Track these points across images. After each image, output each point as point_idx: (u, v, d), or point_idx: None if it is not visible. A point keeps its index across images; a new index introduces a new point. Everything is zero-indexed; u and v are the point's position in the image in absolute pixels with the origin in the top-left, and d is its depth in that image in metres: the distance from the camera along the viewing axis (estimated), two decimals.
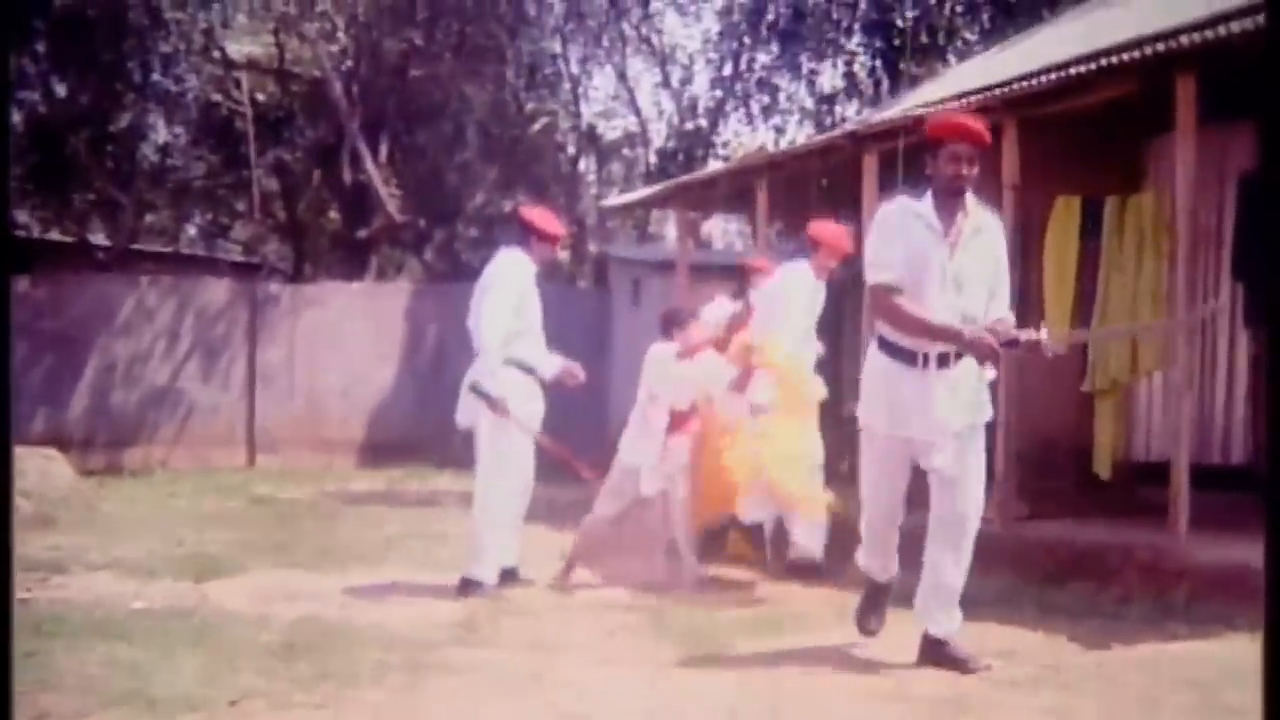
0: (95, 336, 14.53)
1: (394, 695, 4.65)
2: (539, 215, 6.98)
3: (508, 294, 6.62)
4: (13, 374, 3.42)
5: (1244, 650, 5.23)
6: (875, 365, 5.10)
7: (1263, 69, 2.71)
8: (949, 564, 5.06)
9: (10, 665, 3.03)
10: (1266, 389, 2.90)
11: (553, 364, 7.00)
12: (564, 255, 21.63)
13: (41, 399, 13.84)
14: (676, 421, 7.05)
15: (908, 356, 4.96)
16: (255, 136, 18.29)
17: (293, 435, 14.98)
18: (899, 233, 4.93)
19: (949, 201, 4.94)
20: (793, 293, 7.37)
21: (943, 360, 4.93)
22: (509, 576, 6.86)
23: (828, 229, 7.52)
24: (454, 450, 14.25)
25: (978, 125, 5.01)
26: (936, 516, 5.08)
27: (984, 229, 4.99)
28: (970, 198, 4.97)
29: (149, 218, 20.35)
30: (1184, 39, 6.60)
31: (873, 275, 4.92)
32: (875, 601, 5.46)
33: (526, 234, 6.82)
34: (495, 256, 6.86)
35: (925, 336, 4.88)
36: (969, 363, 4.95)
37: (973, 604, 6.07)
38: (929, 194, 4.97)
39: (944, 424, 4.93)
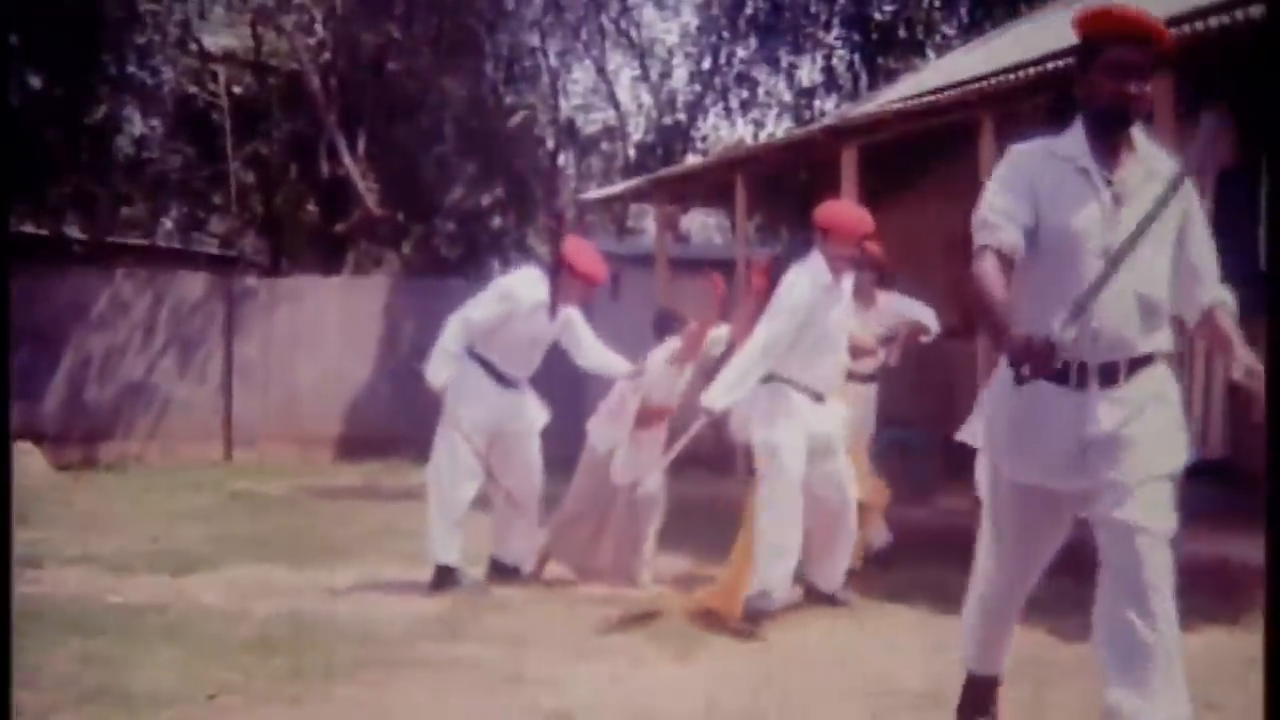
0: (70, 330, 14.43)
1: (371, 691, 4.63)
2: (579, 251, 6.66)
3: (486, 303, 6.55)
4: (11, 375, 3.41)
5: (1222, 643, 5.26)
6: (1003, 379, 3.46)
7: (1261, 65, 2.65)
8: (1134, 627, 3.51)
9: (9, 663, 3.01)
10: (1265, 387, 2.80)
11: (617, 364, 6.92)
12: (544, 251, 21.64)
13: (16, 393, 13.70)
14: (646, 415, 6.77)
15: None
16: (232, 129, 18.20)
17: (269, 430, 14.91)
18: (1029, 184, 3.37)
19: (1110, 135, 3.38)
20: (781, 299, 5.94)
21: (1109, 374, 3.36)
22: (512, 573, 6.85)
23: (836, 209, 6.22)
24: (430, 445, 14.23)
25: (1152, 20, 3.37)
26: (1112, 577, 3.54)
27: (1160, 175, 3.35)
28: (1139, 132, 3.42)
29: (125, 211, 20.22)
30: None
31: (977, 236, 3.38)
32: (978, 700, 4.07)
33: (559, 266, 6.60)
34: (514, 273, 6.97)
35: (979, 316, 3.41)
36: (1160, 378, 3.46)
37: (953, 599, 6.08)
38: (1077, 127, 3.44)
39: (1112, 471, 3.38)
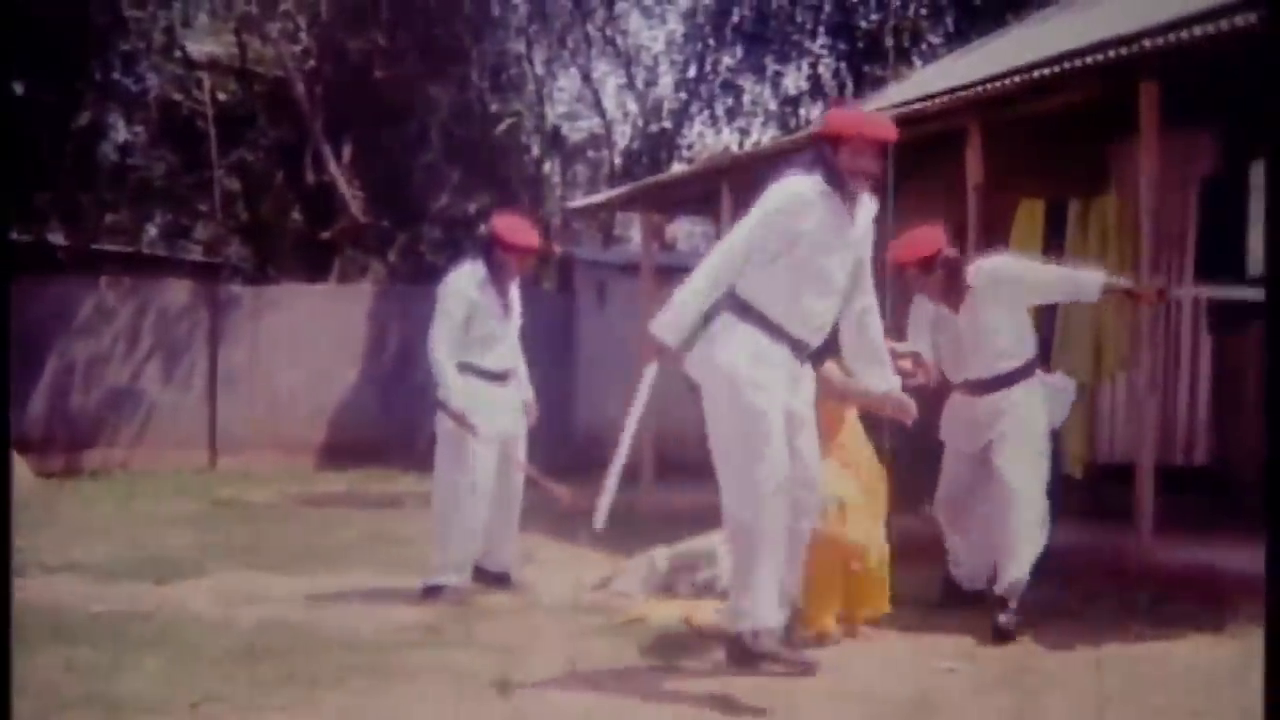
0: (54, 337, 14.36)
1: (357, 698, 4.61)
2: (506, 225, 6.73)
3: (447, 310, 6.58)
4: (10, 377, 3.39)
5: (1207, 651, 5.27)
6: None
7: (1251, 74, 2.58)
8: None
9: (9, 666, 3.00)
10: (1265, 389, 2.57)
11: (527, 389, 6.98)
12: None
13: None
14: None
15: None
16: (217, 136, 18.15)
17: (254, 437, 14.85)
18: None
19: None
20: (768, 200, 4.97)
21: None
22: (499, 580, 6.83)
23: (850, 114, 5.34)
24: (417, 452, 14.23)
25: None
26: None
27: None
28: None
29: (109, 217, 20.15)
30: (1147, 43, 6.63)
31: None
32: None
33: (491, 244, 6.69)
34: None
35: None
36: None
37: (939, 605, 6.09)
38: None
39: None
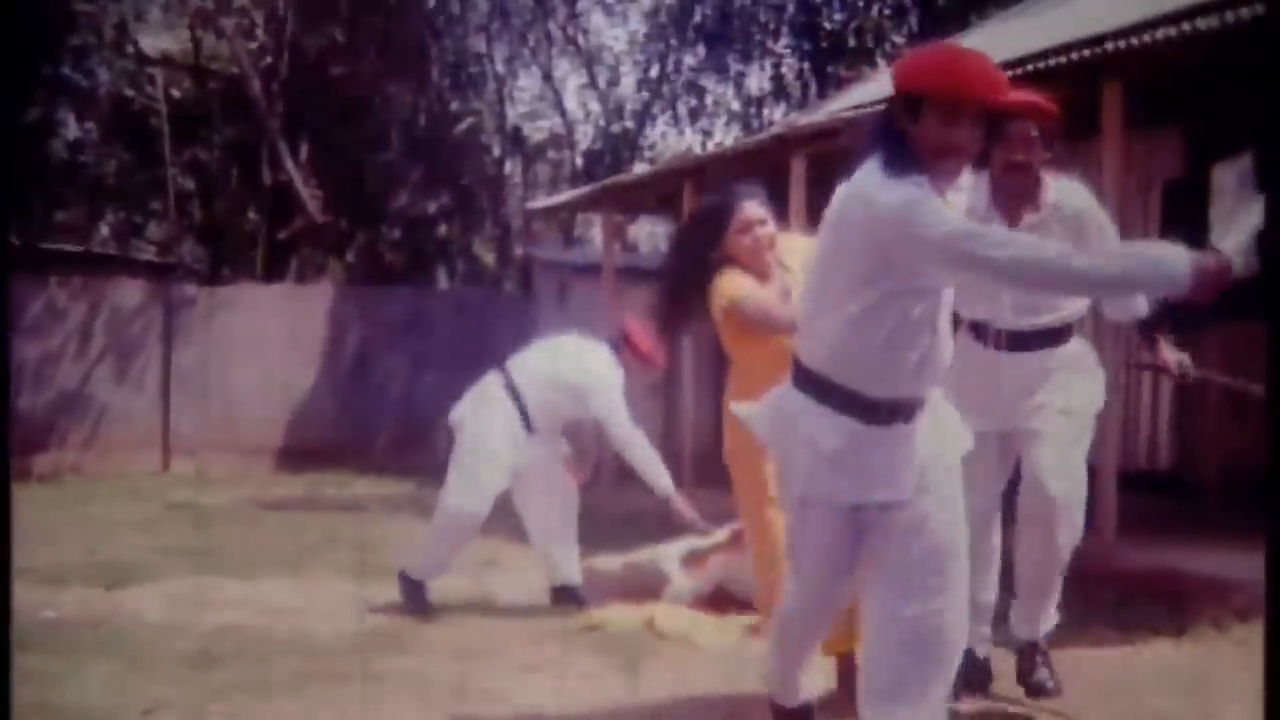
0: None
1: (313, 705, 4.53)
2: (641, 334, 6.59)
3: (610, 391, 6.37)
4: (11, 379, 3.31)
5: (1170, 654, 5.27)
6: None
7: (1265, 70, 2.62)
8: None
9: (9, 666, 2.92)
10: (1265, 390, 2.47)
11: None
12: (490, 259, 21.53)
13: None
14: None
15: None
16: (170, 134, 17.98)
17: (209, 440, 14.68)
18: None
19: None
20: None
21: None
22: (571, 595, 6.56)
23: (934, 54, 3.23)
24: (375, 455, 14.13)
25: None
26: None
27: None
28: None
29: (59, 215, 19.92)
30: (1110, 45, 6.64)
31: None
32: None
33: (622, 342, 6.56)
34: (590, 348, 6.56)
35: None
36: None
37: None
38: None
39: None
